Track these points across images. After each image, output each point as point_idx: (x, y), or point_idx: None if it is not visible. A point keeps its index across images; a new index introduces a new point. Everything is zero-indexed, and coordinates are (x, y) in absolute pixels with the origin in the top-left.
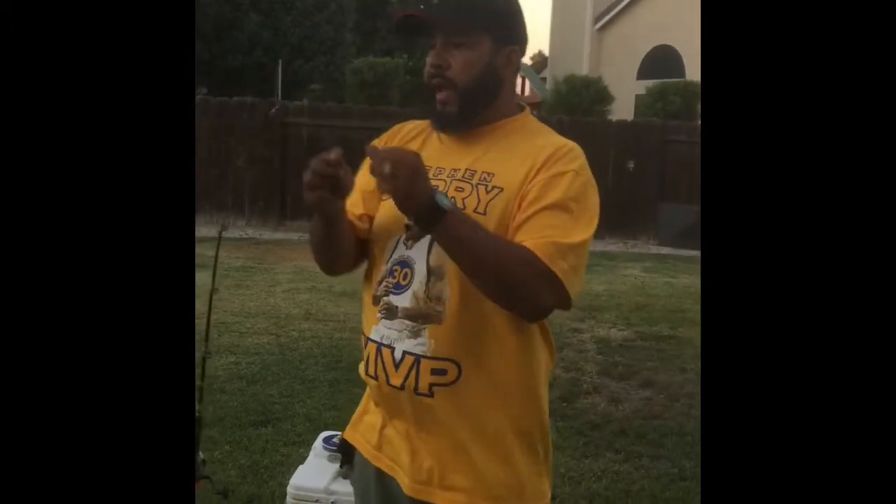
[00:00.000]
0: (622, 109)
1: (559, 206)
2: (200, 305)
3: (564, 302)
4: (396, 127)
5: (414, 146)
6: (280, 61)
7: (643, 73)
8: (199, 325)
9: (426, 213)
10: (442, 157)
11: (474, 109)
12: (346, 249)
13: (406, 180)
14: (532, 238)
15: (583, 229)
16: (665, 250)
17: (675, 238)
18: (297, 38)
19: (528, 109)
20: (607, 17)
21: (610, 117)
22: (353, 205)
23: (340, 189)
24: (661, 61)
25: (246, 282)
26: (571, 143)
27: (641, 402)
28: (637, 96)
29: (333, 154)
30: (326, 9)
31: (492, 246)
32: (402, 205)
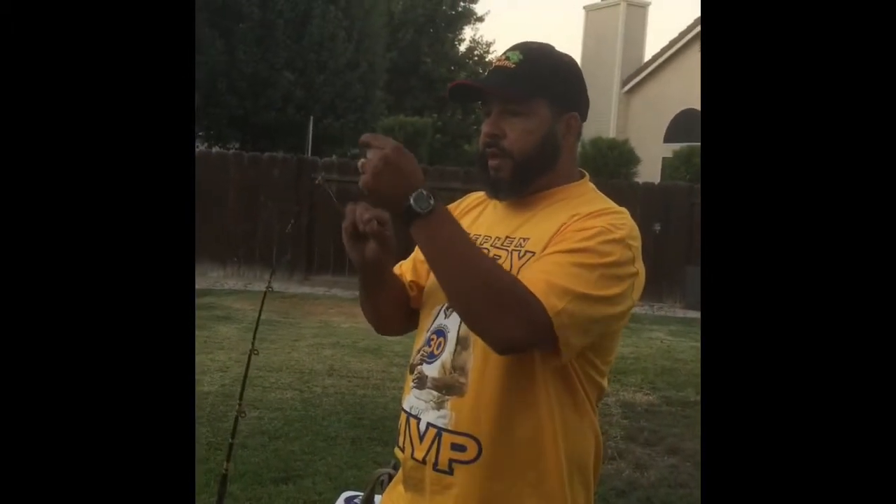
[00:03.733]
0: (649, 172)
1: (571, 252)
2: (224, 356)
3: (550, 347)
4: (466, 196)
5: (472, 215)
6: (311, 118)
7: (670, 137)
8: (225, 377)
9: (402, 213)
10: (493, 225)
11: (529, 178)
12: (391, 310)
13: (375, 177)
14: (531, 273)
15: (596, 283)
16: (692, 314)
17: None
18: (330, 97)
19: (587, 177)
20: (635, 81)
21: (637, 180)
22: (405, 270)
23: (362, 239)
24: (687, 125)
25: (270, 336)
26: (617, 209)
27: (667, 470)
28: (664, 159)
29: (361, 209)
30: (358, 68)
31: (471, 261)
32: (376, 202)
